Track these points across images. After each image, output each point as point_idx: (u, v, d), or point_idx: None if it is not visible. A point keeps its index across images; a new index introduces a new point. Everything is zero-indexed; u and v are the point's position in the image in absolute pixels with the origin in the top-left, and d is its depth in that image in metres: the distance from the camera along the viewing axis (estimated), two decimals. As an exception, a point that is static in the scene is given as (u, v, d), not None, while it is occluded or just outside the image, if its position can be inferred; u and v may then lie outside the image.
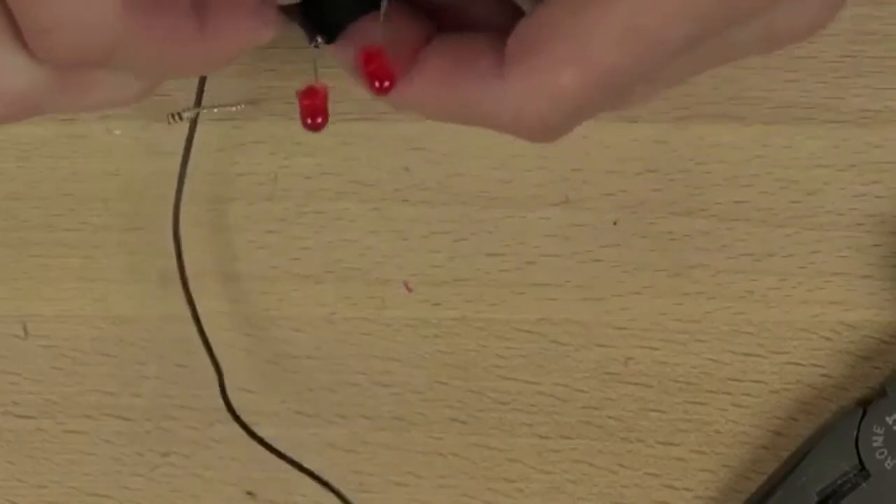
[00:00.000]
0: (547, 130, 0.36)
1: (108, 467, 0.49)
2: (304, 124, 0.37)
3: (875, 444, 0.45)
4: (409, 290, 0.48)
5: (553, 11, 0.35)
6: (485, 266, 0.48)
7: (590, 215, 0.48)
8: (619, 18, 0.34)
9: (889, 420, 0.45)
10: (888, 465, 0.45)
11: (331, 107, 0.48)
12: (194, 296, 0.48)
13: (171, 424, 0.49)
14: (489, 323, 0.48)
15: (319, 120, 0.37)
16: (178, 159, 0.48)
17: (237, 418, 0.47)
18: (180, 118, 0.47)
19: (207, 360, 0.48)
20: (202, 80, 0.46)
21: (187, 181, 0.48)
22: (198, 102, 0.46)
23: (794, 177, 0.47)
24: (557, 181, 0.48)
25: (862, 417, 0.45)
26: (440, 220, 0.48)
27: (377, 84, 0.37)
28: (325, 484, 0.47)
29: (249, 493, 0.49)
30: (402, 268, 0.48)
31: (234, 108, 0.48)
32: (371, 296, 0.48)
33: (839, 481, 0.45)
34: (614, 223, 0.48)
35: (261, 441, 0.47)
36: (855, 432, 0.45)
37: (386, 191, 0.48)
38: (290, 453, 0.48)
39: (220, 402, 0.48)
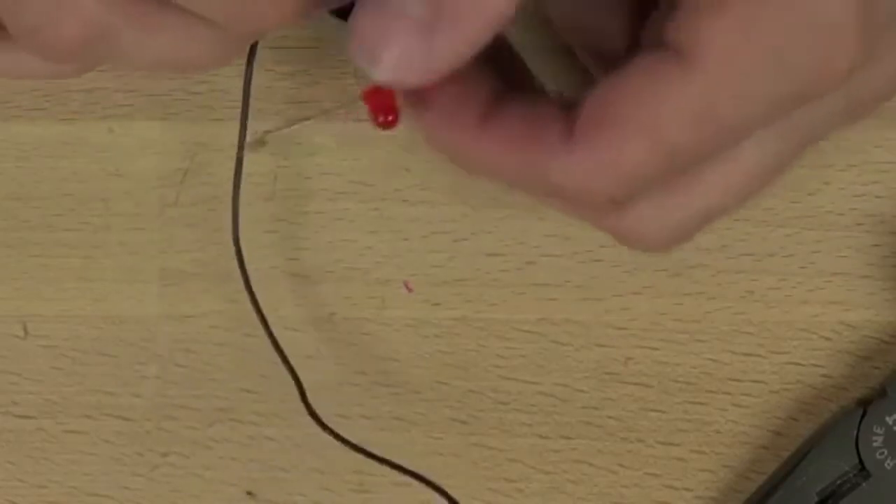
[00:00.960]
0: (611, 201, 0.36)
1: (108, 467, 0.49)
2: (376, 122, 0.36)
3: (875, 444, 0.45)
4: (409, 290, 0.48)
5: (623, 86, 0.35)
6: (485, 266, 0.48)
7: (590, 215, 0.48)
8: (691, 99, 0.34)
9: (889, 420, 0.45)
10: (888, 465, 0.45)
11: (330, 106, 0.48)
12: (194, 295, 0.48)
13: (171, 424, 0.49)
14: (489, 323, 0.48)
15: (391, 118, 0.36)
16: (179, 159, 0.48)
17: (323, 425, 0.47)
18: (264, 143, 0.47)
19: (207, 360, 0.48)
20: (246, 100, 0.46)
21: (187, 180, 0.48)
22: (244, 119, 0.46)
23: (794, 177, 0.47)
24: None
25: (862, 417, 0.45)
26: (440, 220, 0.48)
27: (380, 118, 0.36)
28: (436, 487, 0.47)
29: (249, 493, 0.49)
30: (402, 268, 0.48)
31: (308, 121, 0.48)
32: (371, 296, 0.48)
33: (839, 481, 0.45)
34: (614, 223, 0.48)
35: (354, 447, 0.47)
36: (855, 432, 0.45)
37: (386, 191, 0.48)
38: (290, 453, 0.48)
39: (221, 402, 0.48)
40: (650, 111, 0.34)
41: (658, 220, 0.37)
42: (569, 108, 0.35)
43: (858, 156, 0.47)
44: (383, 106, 0.36)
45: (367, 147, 0.48)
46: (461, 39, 0.34)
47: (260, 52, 0.45)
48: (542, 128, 0.35)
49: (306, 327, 0.48)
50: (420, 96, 0.36)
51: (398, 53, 0.34)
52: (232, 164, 0.49)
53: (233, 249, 0.48)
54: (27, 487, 0.49)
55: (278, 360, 0.48)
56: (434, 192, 0.48)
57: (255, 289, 0.48)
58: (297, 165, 0.49)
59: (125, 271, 0.49)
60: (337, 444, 0.48)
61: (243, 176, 0.49)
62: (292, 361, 0.48)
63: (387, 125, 0.36)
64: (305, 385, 0.48)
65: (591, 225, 0.38)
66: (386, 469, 0.48)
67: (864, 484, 0.45)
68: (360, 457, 0.48)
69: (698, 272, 0.48)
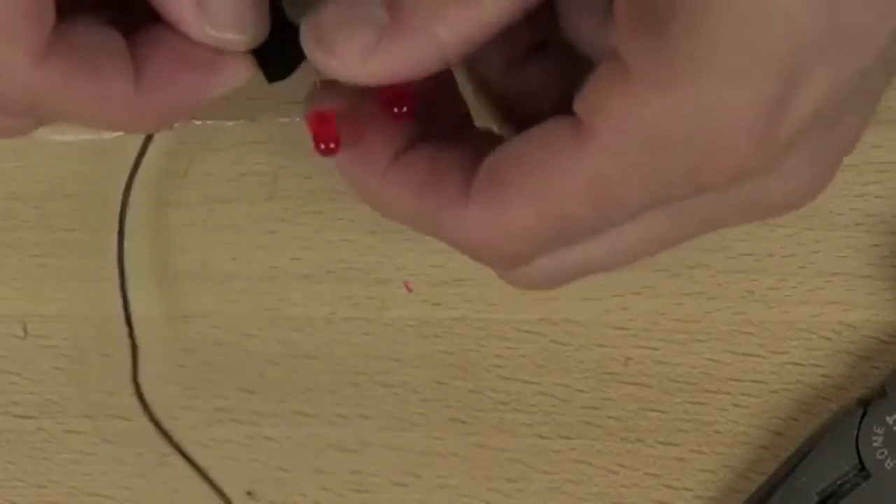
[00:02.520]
0: (502, 261, 0.37)
1: (108, 467, 0.49)
2: (318, 150, 0.37)
3: (875, 444, 0.45)
4: (409, 290, 0.48)
5: (521, 149, 0.36)
6: (485, 266, 0.48)
7: (590, 215, 0.48)
8: (582, 171, 0.35)
9: (889, 420, 0.45)
10: (888, 465, 0.45)
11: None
12: (195, 295, 0.48)
13: (171, 424, 0.49)
14: (489, 323, 0.48)
15: (333, 146, 0.37)
16: (179, 159, 0.48)
17: (146, 407, 0.47)
18: None
19: (207, 360, 0.48)
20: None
21: (187, 180, 0.48)
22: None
23: (794, 177, 0.47)
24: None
25: (862, 417, 0.45)
26: (440, 220, 0.48)
27: (322, 146, 0.37)
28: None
29: (249, 493, 0.49)
30: (402, 268, 0.48)
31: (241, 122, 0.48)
32: (371, 296, 0.48)
33: (839, 481, 0.45)
34: (614, 223, 0.48)
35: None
36: (855, 432, 0.45)
37: (386, 191, 0.48)
38: (290, 453, 0.48)
39: (221, 402, 0.48)
40: (542, 179, 0.35)
41: (537, 272, 0.38)
42: (477, 161, 0.36)
43: (858, 156, 0.47)
44: (325, 133, 0.37)
45: (366, 147, 0.48)
46: (413, 49, 0.35)
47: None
48: (444, 180, 0.36)
49: (306, 327, 0.49)
50: (349, 129, 0.37)
51: (354, 49, 0.35)
52: (232, 165, 0.49)
53: (233, 250, 0.49)
54: (27, 487, 0.49)
55: (278, 360, 0.48)
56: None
57: (255, 288, 0.49)
58: (297, 165, 0.49)
59: (125, 271, 0.49)
60: (337, 444, 0.48)
61: (243, 176, 0.49)
62: (292, 361, 0.48)
63: (327, 152, 0.37)
64: (305, 385, 0.48)
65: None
66: (386, 469, 0.48)
67: (864, 484, 0.45)
68: (361, 457, 0.48)
69: (698, 272, 0.48)
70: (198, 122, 0.48)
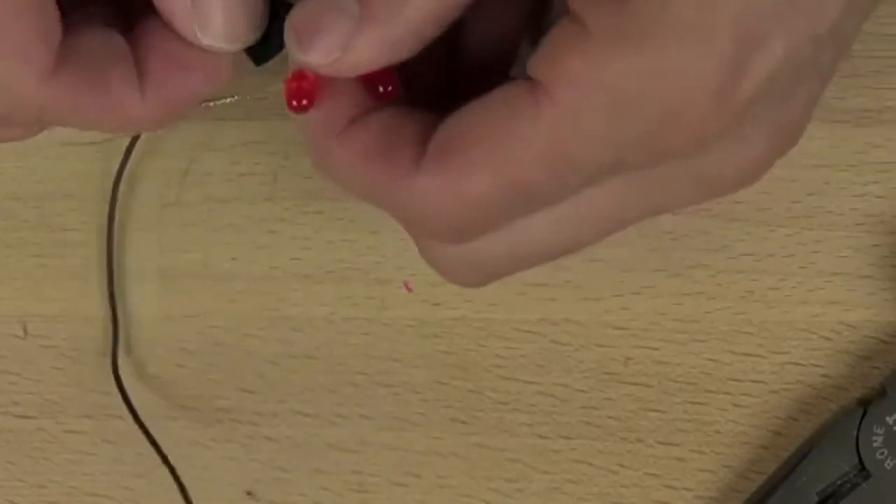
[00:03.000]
0: (452, 232, 0.36)
1: (108, 467, 0.49)
2: (290, 107, 0.36)
3: (875, 444, 0.45)
4: (409, 290, 0.48)
5: (476, 115, 0.35)
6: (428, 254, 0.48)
7: (590, 215, 0.48)
8: (539, 134, 0.34)
9: (889, 420, 0.45)
10: (888, 465, 0.45)
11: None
12: (194, 296, 0.48)
13: (171, 424, 0.49)
14: (489, 323, 0.48)
15: (305, 102, 0.36)
16: (179, 159, 0.48)
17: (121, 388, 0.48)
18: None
19: (207, 361, 0.48)
20: None
21: (187, 180, 0.48)
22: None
23: (794, 177, 0.47)
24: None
25: (862, 417, 0.45)
26: (440, 220, 0.48)
27: (294, 103, 0.36)
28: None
29: (249, 493, 0.49)
30: (402, 268, 0.48)
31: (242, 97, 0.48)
32: (371, 296, 0.48)
33: (839, 481, 0.45)
34: (614, 223, 0.48)
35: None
36: (855, 432, 0.45)
37: (386, 191, 0.48)
38: (290, 453, 0.48)
39: (221, 402, 0.48)
40: (496, 143, 0.34)
41: (475, 256, 0.37)
42: (435, 128, 0.35)
43: (858, 156, 0.47)
44: (298, 89, 0.36)
45: (366, 147, 0.48)
46: (388, 35, 0.35)
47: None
48: (397, 146, 0.36)
49: (306, 327, 0.49)
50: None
51: (330, 42, 0.35)
52: (232, 165, 0.49)
53: (233, 250, 0.49)
54: (27, 487, 0.49)
55: (278, 360, 0.48)
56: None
57: (255, 288, 0.49)
58: (297, 165, 0.49)
59: (125, 271, 0.49)
60: (337, 444, 0.48)
61: (243, 176, 0.49)
62: (292, 361, 0.48)
63: (299, 109, 0.36)
64: (305, 385, 0.48)
65: (420, 249, 0.38)
66: (386, 469, 0.48)
67: (864, 484, 0.45)
68: (361, 457, 0.48)
69: (698, 272, 0.48)
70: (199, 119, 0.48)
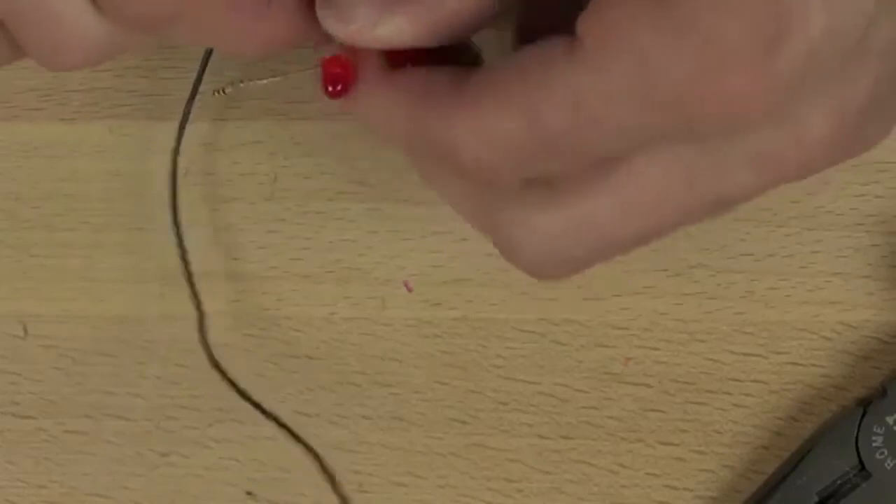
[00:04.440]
0: (482, 172, 0.36)
1: (108, 467, 0.49)
2: (325, 91, 0.37)
3: (875, 444, 0.45)
4: (409, 290, 0.48)
5: (512, 63, 0.35)
6: (485, 266, 0.48)
7: (590, 215, 0.48)
8: (566, 83, 0.34)
9: (889, 420, 0.45)
10: (888, 465, 0.45)
11: (330, 106, 0.48)
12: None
13: (171, 424, 0.49)
14: (489, 323, 0.48)
15: (340, 87, 0.37)
16: (179, 159, 0.48)
17: (216, 365, 0.48)
18: (224, 93, 0.47)
19: (207, 361, 0.48)
20: (205, 59, 0.46)
21: (187, 180, 0.48)
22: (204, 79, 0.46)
23: (794, 177, 0.47)
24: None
25: (862, 417, 0.45)
26: (440, 220, 0.48)
27: (330, 88, 0.37)
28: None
29: (249, 493, 0.49)
30: (402, 268, 0.48)
31: (277, 79, 0.48)
32: (371, 296, 0.48)
33: (839, 481, 0.45)
34: (614, 223, 0.48)
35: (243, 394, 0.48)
36: (855, 432, 0.45)
37: (386, 191, 0.48)
38: (290, 453, 0.48)
39: (221, 402, 0.48)
40: (528, 90, 0.35)
41: (537, 227, 0.37)
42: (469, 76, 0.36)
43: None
44: (334, 74, 0.37)
45: (367, 147, 0.48)
46: (424, 15, 0.36)
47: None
48: (437, 88, 0.36)
49: (306, 327, 0.49)
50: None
51: (366, 14, 0.36)
52: (232, 165, 0.49)
53: (233, 250, 0.49)
54: (27, 487, 0.49)
55: (278, 360, 0.48)
56: (434, 192, 0.48)
57: (255, 288, 0.48)
58: (297, 165, 0.49)
59: (125, 271, 0.49)
60: (337, 444, 0.48)
61: (243, 176, 0.49)
62: (292, 361, 0.48)
63: (335, 94, 0.37)
64: (305, 385, 0.48)
65: (475, 225, 0.39)
66: (386, 469, 0.48)
67: (864, 484, 0.45)
68: (361, 457, 0.48)
69: (698, 272, 0.48)
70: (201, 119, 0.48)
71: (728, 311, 0.47)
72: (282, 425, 0.48)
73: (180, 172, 0.49)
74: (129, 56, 0.49)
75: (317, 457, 0.48)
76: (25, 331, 0.49)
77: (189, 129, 0.48)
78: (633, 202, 0.36)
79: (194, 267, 0.48)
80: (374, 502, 0.48)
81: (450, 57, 0.37)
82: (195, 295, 0.48)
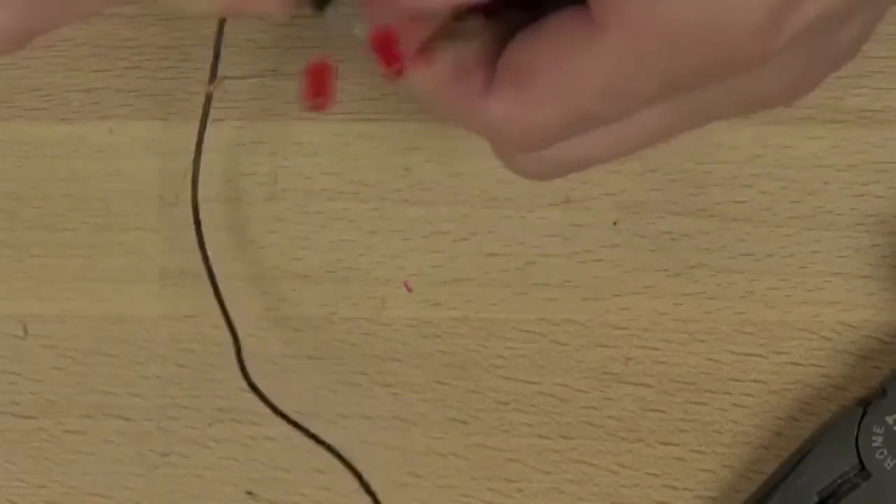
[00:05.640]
0: (521, 147, 0.39)
1: (108, 467, 0.49)
2: (304, 103, 0.37)
3: (875, 444, 0.45)
4: (409, 290, 0.48)
5: (538, 44, 0.37)
6: (485, 266, 0.48)
7: (590, 215, 0.48)
8: (600, 68, 0.36)
9: (889, 420, 0.45)
10: (888, 465, 0.45)
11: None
12: (195, 295, 0.48)
13: (171, 424, 0.49)
14: (489, 323, 0.48)
15: (320, 100, 0.37)
16: (179, 159, 0.48)
17: (255, 388, 0.47)
18: (210, 88, 0.47)
19: (208, 361, 0.48)
20: (217, 51, 0.46)
21: (187, 180, 0.48)
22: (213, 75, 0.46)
23: (794, 177, 0.47)
24: (557, 181, 0.48)
25: (862, 417, 0.45)
26: (440, 220, 0.48)
27: (388, 68, 0.37)
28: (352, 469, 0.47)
29: (249, 493, 0.49)
30: (402, 268, 0.48)
31: (256, 79, 0.48)
32: (371, 296, 0.48)
33: (839, 481, 0.45)
34: (614, 223, 0.48)
35: (282, 414, 0.47)
36: (855, 432, 0.45)
37: (386, 191, 0.48)
38: (290, 453, 0.48)
39: (221, 402, 0.48)
40: (559, 77, 0.36)
41: (545, 160, 0.40)
42: (499, 47, 0.38)
43: (858, 156, 0.47)
44: (316, 84, 0.37)
45: (367, 147, 0.48)
46: None
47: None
48: (468, 74, 0.38)
49: (306, 327, 0.48)
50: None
51: None
52: (232, 165, 0.49)
53: (233, 250, 0.49)
54: (27, 487, 0.49)
55: (278, 360, 0.48)
56: (434, 192, 0.48)
57: (255, 288, 0.48)
58: (297, 165, 0.49)
59: (125, 271, 0.49)
60: (337, 444, 0.48)
61: (243, 176, 0.49)
62: (292, 361, 0.48)
63: (315, 107, 0.37)
64: (304, 385, 0.48)
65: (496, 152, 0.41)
66: (386, 469, 0.48)
67: (864, 484, 0.45)
68: (361, 457, 0.48)
69: (698, 272, 0.48)
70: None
71: (728, 311, 0.47)
72: (316, 439, 0.47)
73: (180, 172, 0.49)
74: (129, 56, 0.49)
75: (341, 458, 0.47)
76: (25, 331, 0.49)
77: (189, 128, 0.48)
78: (625, 140, 0.39)
79: (194, 267, 0.48)
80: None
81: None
82: (230, 324, 0.47)
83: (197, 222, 0.47)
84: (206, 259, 0.47)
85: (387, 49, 0.36)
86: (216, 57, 0.46)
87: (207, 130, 0.48)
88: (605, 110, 0.37)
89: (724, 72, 0.36)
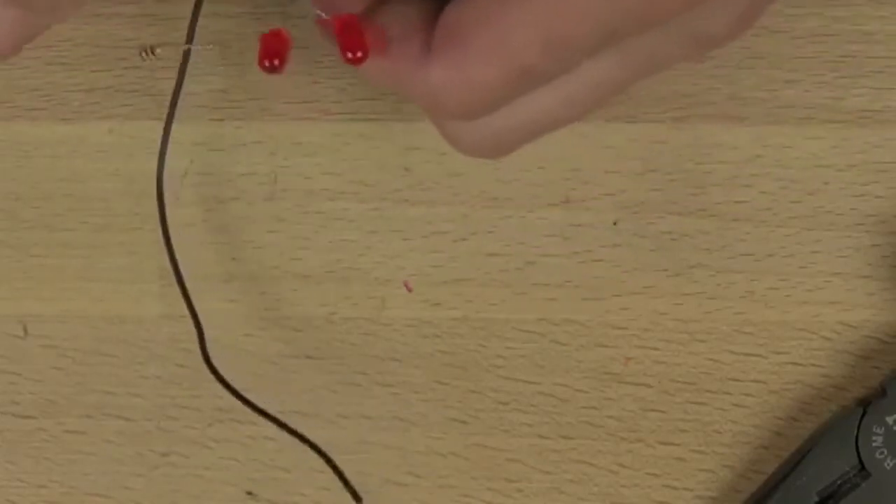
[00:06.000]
0: (464, 113, 0.38)
1: (108, 467, 0.49)
2: (261, 65, 0.36)
3: (875, 444, 0.45)
4: (409, 290, 0.48)
5: (472, 5, 0.36)
6: (485, 266, 0.48)
7: (590, 215, 0.48)
8: (538, 19, 0.35)
9: (889, 420, 0.45)
10: (888, 465, 0.45)
11: (330, 106, 0.48)
12: (194, 297, 0.48)
13: (171, 424, 0.49)
14: (489, 323, 0.48)
15: (277, 62, 0.36)
16: (179, 159, 0.48)
17: (216, 373, 0.47)
18: (152, 53, 0.47)
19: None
20: (196, 14, 0.46)
21: (186, 181, 0.48)
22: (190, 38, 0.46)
23: (794, 177, 0.47)
24: (557, 181, 0.48)
25: (862, 417, 0.45)
26: (440, 220, 0.48)
27: (349, 55, 0.36)
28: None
29: (249, 493, 0.49)
30: (402, 268, 0.48)
31: (209, 48, 0.48)
32: (371, 296, 0.48)
33: (839, 481, 0.45)
34: (614, 223, 0.48)
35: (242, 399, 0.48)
36: (855, 432, 0.45)
37: (386, 191, 0.48)
38: (290, 453, 0.48)
39: (221, 402, 0.48)
40: (496, 32, 0.36)
41: (489, 131, 0.39)
42: (435, 19, 0.37)
43: (858, 156, 0.47)
44: (272, 49, 0.37)
45: (367, 147, 0.48)
46: None
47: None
48: (406, 41, 0.37)
49: (306, 327, 0.48)
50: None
51: None
52: (232, 164, 0.49)
53: (233, 250, 0.49)
54: (27, 487, 0.49)
55: (278, 360, 0.48)
56: (434, 192, 0.48)
57: (255, 288, 0.49)
58: (297, 165, 0.49)
59: (125, 271, 0.49)
60: (337, 444, 0.48)
61: (243, 176, 0.49)
62: (292, 361, 0.48)
63: (271, 69, 0.37)
64: (304, 385, 0.48)
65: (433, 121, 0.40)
66: (386, 469, 0.48)
67: (864, 484, 0.45)
68: (361, 457, 0.48)
69: (698, 272, 0.48)
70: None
71: (728, 311, 0.47)
72: (293, 431, 0.48)
73: (180, 172, 0.49)
74: (129, 56, 0.49)
75: (324, 456, 0.48)
76: (25, 331, 0.49)
77: (188, 128, 0.48)
78: (572, 98, 0.38)
79: (194, 267, 0.48)
80: (374, 502, 0.48)
81: None
82: (192, 310, 0.47)
83: (160, 193, 0.47)
84: (166, 236, 0.47)
85: (349, 36, 0.36)
86: (195, 16, 0.46)
87: (207, 129, 0.48)
88: (545, 64, 0.36)
89: (662, 12, 0.35)
